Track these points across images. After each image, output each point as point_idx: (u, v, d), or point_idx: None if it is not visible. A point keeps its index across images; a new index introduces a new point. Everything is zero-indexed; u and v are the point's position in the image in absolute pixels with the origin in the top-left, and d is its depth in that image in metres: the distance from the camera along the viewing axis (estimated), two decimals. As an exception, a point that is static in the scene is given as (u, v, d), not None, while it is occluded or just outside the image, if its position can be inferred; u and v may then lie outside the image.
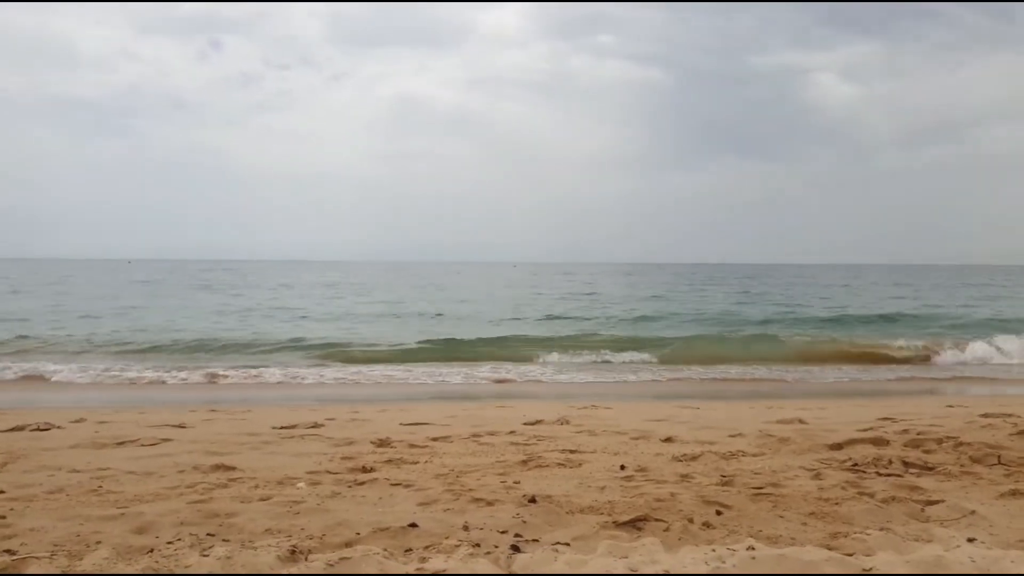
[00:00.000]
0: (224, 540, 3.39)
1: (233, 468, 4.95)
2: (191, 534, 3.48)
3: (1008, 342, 16.99)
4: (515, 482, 4.48)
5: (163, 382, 12.60)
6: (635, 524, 3.65)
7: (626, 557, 2.99)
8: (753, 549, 2.96)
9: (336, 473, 4.82)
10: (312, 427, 6.91)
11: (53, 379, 12.83)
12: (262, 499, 4.12)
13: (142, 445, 5.94)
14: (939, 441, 5.45)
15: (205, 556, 3.06)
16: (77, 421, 7.32)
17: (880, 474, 4.65)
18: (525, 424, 6.95)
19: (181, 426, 7.01)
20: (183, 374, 13.07)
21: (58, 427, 6.86)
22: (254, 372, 13.49)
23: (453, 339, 18.27)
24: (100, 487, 4.41)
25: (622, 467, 4.93)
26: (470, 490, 4.24)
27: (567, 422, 7.08)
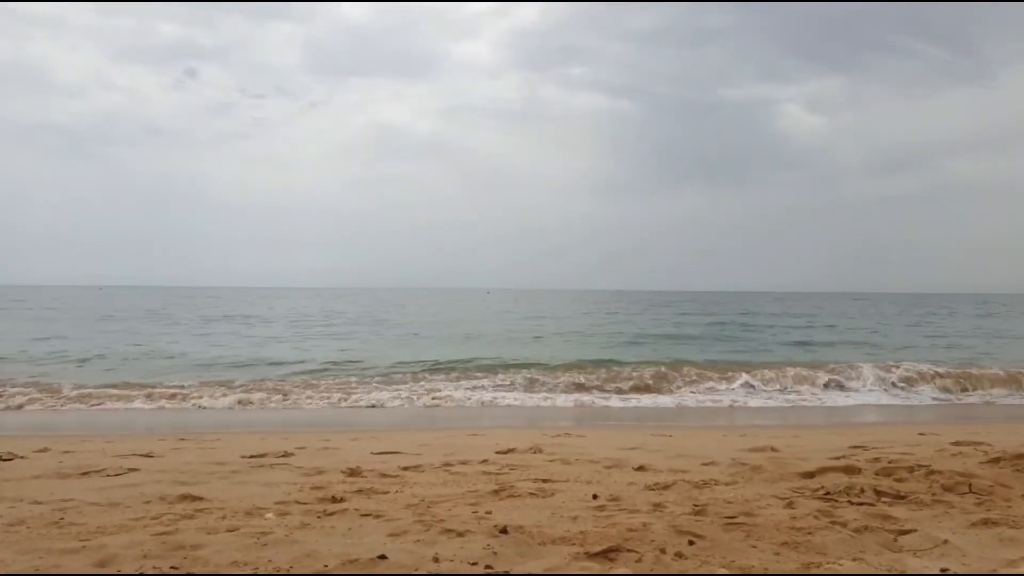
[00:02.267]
0: (188, 574, 3.32)
1: (200, 499, 4.85)
2: (154, 567, 3.40)
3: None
4: (487, 512, 4.43)
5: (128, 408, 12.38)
6: (607, 555, 3.62)
7: (598, 589, 2.95)
8: (725, 580, 2.94)
9: (305, 503, 4.74)
10: (282, 456, 6.81)
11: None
12: (229, 530, 4.03)
13: (107, 475, 5.81)
14: (911, 469, 5.48)
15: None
16: (41, 450, 7.16)
17: (852, 503, 4.65)
18: (498, 452, 6.90)
19: (149, 455, 6.88)
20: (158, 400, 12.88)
21: (20, 457, 6.70)
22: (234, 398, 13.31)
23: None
24: (62, 519, 4.30)
25: (595, 496, 4.90)
26: (441, 521, 4.19)
27: (540, 450, 7.04)
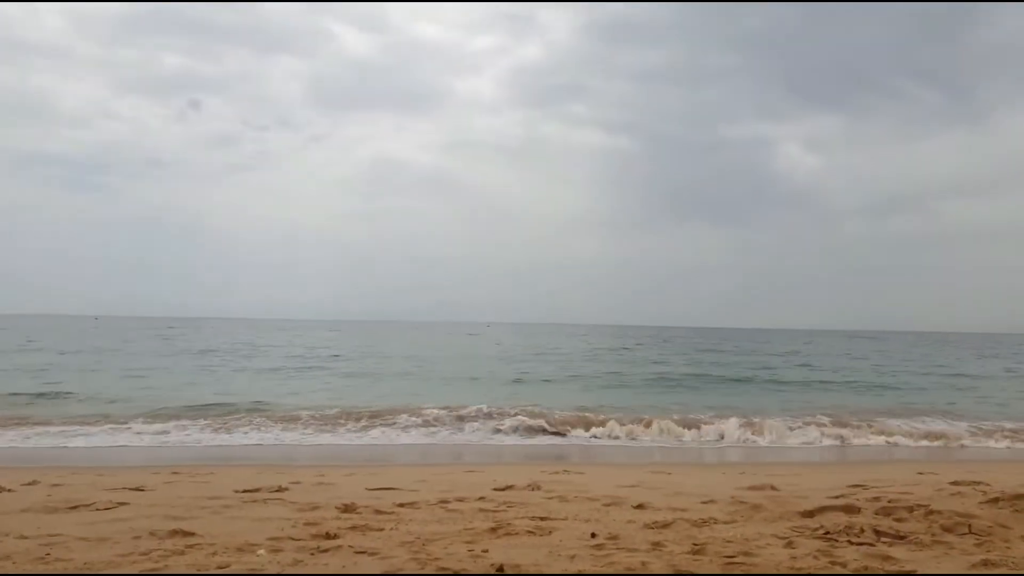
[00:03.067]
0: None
1: (192, 534, 4.78)
2: (143, 605, 3.33)
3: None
4: (483, 550, 4.37)
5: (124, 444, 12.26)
6: (605, 595, 3.56)
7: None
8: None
9: (299, 540, 4.66)
10: (276, 491, 6.73)
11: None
12: (220, 567, 3.97)
13: (97, 509, 5.73)
14: (910, 509, 5.42)
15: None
16: (30, 484, 7.07)
17: (852, 543, 4.60)
18: (495, 489, 6.82)
19: (140, 489, 6.79)
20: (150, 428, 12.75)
21: (8, 490, 6.62)
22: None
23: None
24: (48, 554, 4.23)
25: (593, 535, 4.84)
26: (436, 559, 4.12)
27: (538, 487, 6.97)
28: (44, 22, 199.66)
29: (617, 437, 13.51)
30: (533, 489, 6.89)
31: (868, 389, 23.73)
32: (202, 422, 13.84)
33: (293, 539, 4.68)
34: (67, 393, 18.17)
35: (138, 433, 12.80)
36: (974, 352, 52.31)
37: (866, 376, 28.27)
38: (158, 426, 13.34)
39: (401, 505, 5.93)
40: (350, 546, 4.47)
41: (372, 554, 4.28)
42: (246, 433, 13.11)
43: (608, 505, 5.99)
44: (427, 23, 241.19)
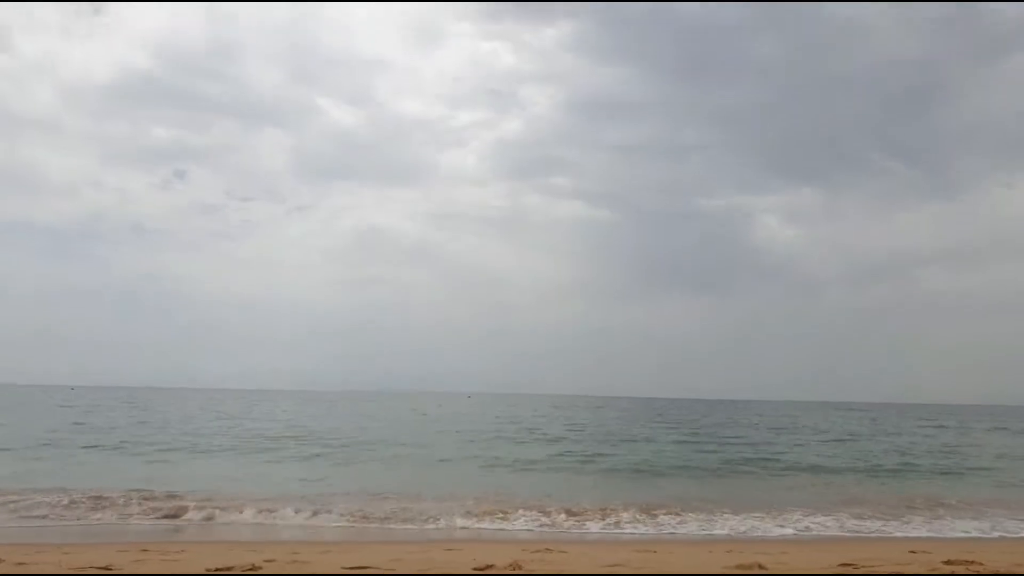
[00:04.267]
0: None
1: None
2: None
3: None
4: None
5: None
6: None
7: None
8: None
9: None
10: (249, 569, 6.49)
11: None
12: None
13: (59, 591, 5.49)
14: (903, 592, 5.27)
15: None
16: (-9, 562, 6.78)
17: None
18: (475, 569, 6.60)
19: (107, 568, 6.53)
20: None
21: (-31, 569, 6.34)
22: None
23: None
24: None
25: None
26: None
27: (519, 567, 6.75)
28: (36, 96, 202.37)
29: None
30: (514, 569, 6.67)
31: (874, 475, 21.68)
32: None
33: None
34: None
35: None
36: (964, 423, 51.91)
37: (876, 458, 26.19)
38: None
39: (378, 586, 5.71)
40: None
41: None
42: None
43: (593, 586, 5.79)
44: (411, 98, 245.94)
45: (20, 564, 6.72)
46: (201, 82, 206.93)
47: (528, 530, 11.18)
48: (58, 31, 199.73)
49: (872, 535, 11.56)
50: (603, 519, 12.04)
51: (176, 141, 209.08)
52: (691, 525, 11.83)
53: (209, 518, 11.78)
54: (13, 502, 11.91)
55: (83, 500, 12.31)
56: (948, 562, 6.94)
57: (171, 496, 12.86)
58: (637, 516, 12.38)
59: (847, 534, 11.48)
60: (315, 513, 11.89)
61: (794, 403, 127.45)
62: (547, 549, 8.24)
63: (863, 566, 6.78)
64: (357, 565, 6.82)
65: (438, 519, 11.70)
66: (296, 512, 12.00)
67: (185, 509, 11.96)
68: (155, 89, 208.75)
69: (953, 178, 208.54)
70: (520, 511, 12.34)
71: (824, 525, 12.04)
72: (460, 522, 11.59)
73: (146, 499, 12.52)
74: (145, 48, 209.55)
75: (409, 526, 11.23)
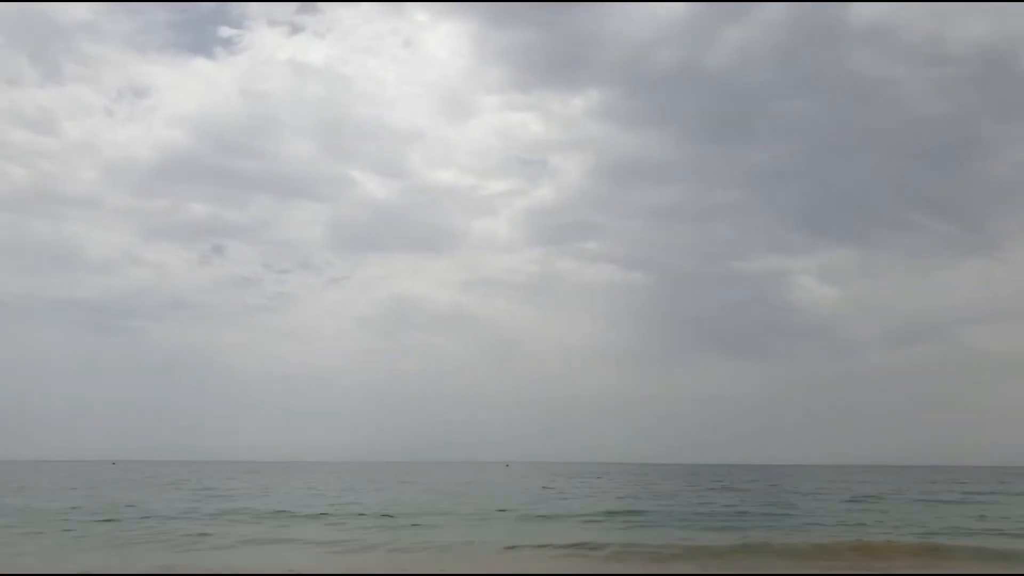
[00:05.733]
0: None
1: None
2: None
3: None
4: None
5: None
6: None
7: None
8: None
9: None
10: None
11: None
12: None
13: None
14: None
15: None
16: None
17: None
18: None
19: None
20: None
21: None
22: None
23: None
24: None
25: None
26: None
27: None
28: (79, 175, 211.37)
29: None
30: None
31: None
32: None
33: None
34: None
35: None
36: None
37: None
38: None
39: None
40: None
41: None
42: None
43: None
44: (444, 169, 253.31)
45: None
46: (238, 159, 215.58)
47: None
48: (101, 113, 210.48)
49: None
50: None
51: (214, 216, 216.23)
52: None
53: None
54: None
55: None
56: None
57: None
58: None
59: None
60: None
61: (845, 468, 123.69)
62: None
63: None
64: None
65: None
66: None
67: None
68: (193, 166, 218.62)
69: (991, 234, 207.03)
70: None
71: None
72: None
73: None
74: (182, 126, 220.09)
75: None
